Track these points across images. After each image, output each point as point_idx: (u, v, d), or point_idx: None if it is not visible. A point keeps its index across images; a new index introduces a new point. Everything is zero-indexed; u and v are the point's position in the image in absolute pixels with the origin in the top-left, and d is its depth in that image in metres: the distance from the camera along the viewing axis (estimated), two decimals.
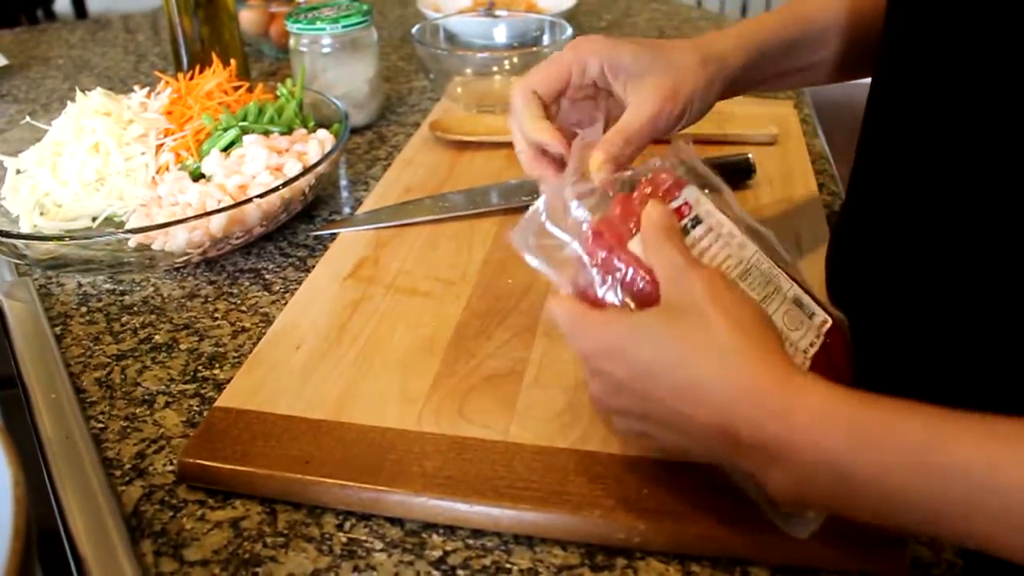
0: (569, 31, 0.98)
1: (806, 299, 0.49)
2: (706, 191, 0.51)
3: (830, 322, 0.49)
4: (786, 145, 0.90)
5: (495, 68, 0.99)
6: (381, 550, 0.49)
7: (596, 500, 0.49)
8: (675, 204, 0.49)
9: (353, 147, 0.99)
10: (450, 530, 0.50)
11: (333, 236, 0.78)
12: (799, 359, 0.46)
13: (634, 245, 0.48)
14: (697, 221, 0.49)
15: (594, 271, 0.48)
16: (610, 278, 0.47)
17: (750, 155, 0.81)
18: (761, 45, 0.61)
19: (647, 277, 0.46)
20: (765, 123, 0.91)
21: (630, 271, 0.47)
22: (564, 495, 0.49)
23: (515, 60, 0.99)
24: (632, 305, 0.47)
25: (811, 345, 0.47)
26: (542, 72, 0.58)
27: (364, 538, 0.50)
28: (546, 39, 1.05)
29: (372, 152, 0.97)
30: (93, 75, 1.25)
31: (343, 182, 0.92)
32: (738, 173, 0.81)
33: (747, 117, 0.92)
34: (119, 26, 1.50)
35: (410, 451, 0.52)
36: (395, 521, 0.51)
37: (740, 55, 0.60)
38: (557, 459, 0.52)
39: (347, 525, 0.51)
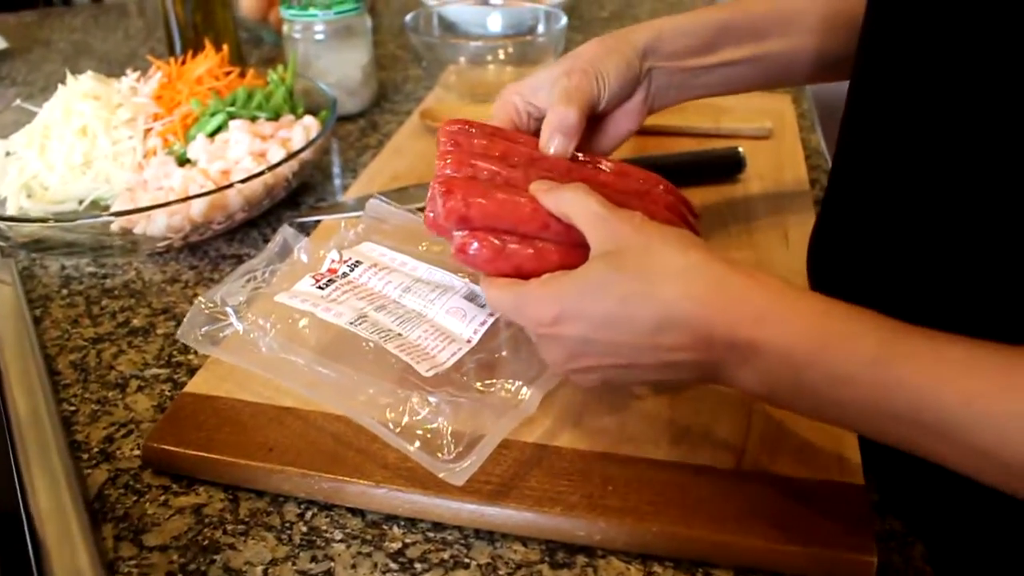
0: (564, 20, 0.97)
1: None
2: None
3: None
4: (780, 139, 0.89)
5: (489, 57, 0.98)
6: (340, 540, 0.49)
7: (558, 496, 0.48)
8: (323, 268, 0.58)
9: (345, 134, 0.98)
10: (411, 523, 0.50)
11: (317, 223, 0.78)
12: (464, 341, 0.52)
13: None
14: (355, 264, 0.58)
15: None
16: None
17: (740, 149, 0.80)
18: (678, 24, 0.61)
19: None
20: (760, 117, 0.90)
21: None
22: (526, 490, 0.49)
23: (509, 49, 0.98)
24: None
25: (481, 324, 0.53)
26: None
27: (324, 528, 0.50)
28: (541, 28, 1.04)
29: (363, 140, 0.97)
30: (93, 59, 1.25)
31: (336, 169, 0.92)
32: (727, 167, 0.80)
33: (743, 110, 0.91)
34: (122, 10, 1.50)
35: (374, 441, 0.52)
36: (356, 512, 0.51)
37: (646, 31, 0.60)
38: (522, 453, 0.51)
39: (308, 515, 0.51)
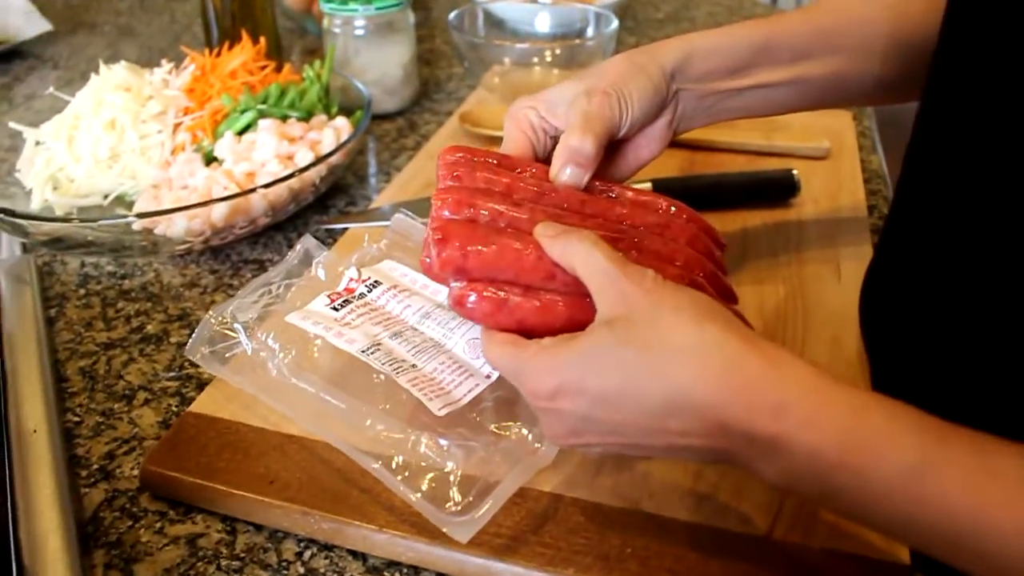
0: (615, 23, 0.93)
1: None
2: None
3: None
4: (838, 160, 0.83)
5: (535, 59, 0.94)
6: None
7: (573, 556, 0.44)
8: (340, 287, 0.55)
9: (382, 134, 0.95)
10: (414, 571, 0.47)
11: (344, 230, 0.75)
12: (483, 376, 0.49)
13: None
14: (374, 285, 0.55)
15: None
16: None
17: (795, 171, 0.75)
18: (712, 42, 0.55)
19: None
20: (818, 136, 0.84)
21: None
22: (538, 547, 0.45)
23: (557, 52, 0.93)
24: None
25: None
26: (511, 152, 0.53)
27: (323, 570, 0.47)
28: (590, 31, 0.99)
29: (400, 140, 0.93)
30: (135, 44, 1.24)
31: (372, 170, 0.89)
32: (780, 190, 0.75)
33: (799, 128, 0.86)
34: None
35: (380, 480, 0.49)
36: (358, 555, 0.48)
37: (676, 50, 0.55)
38: (536, 504, 0.47)
39: (307, 554, 0.48)
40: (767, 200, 0.75)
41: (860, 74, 0.57)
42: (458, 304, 0.44)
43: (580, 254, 0.42)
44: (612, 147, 0.54)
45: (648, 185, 0.72)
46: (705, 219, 0.52)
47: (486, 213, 0.45)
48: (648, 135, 0.56)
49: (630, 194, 0.51)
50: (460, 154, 0.49)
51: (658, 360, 0.38)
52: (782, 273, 0.67)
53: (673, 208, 0.50)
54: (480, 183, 0.47)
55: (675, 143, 0.82)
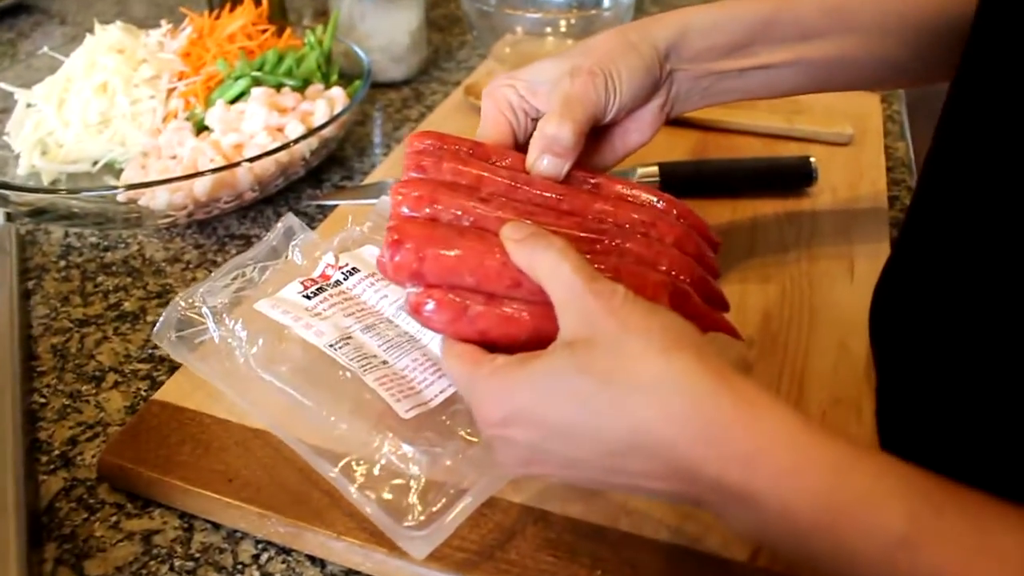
0: None
1: None
2: None
3: None
4: (861, 147, 0.78)
5: (548, 29, 0.89)
6: None
7: (539, 574, 0.42)
8: (316, 273, 0.54)
9: (386, 103, 0.91)
10: None
11: (335, 206, 0.72)
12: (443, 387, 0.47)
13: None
14: (351, 272, 0.54)
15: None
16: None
17: (812, 158, 0.70)
18: (711, 18, 0.51)
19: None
20: (841, 120, 0.79)
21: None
22: (503, 563, 0.42)
23: (572, 21, 0.89)
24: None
25: None
26: (488, 136, 0.49)
27: (278, 575, 0.45)
28: (607, 1, 0.94)
29: (404, 111, 0.90)
30: (144, 0, 1.21)
31: (377, 140, 0.85)
32: (795, 178, 0.70)
33: (821, 110, 0.81)
34: None
35: None
36: (316, 561, 0.45)
37: (670, 26, 0.50)
38: (506, 516, 0.45)
39: (264, 557, 0.46)
40: (781, 188, 0.71)
41: (873, 56, 0.52)
42: (415, 311, 0.40)
43: (547, 263, 0.38)
44: (598, 132, 0.50)
45: (655, 169, 0.69)
46: (698, 214, 0.48)
47: (450, 210, 0.42)
48: (638, 119, 0.51)
49: (616, 186, 0.47)
50: (429, 141, 0.45)
51: (619, 394, 0.34)
52: (791, 269, 0.63)
53: (661, 203, 0.46)
54: (447, 175, 0.44)
55: (686, 123, 0.79)
